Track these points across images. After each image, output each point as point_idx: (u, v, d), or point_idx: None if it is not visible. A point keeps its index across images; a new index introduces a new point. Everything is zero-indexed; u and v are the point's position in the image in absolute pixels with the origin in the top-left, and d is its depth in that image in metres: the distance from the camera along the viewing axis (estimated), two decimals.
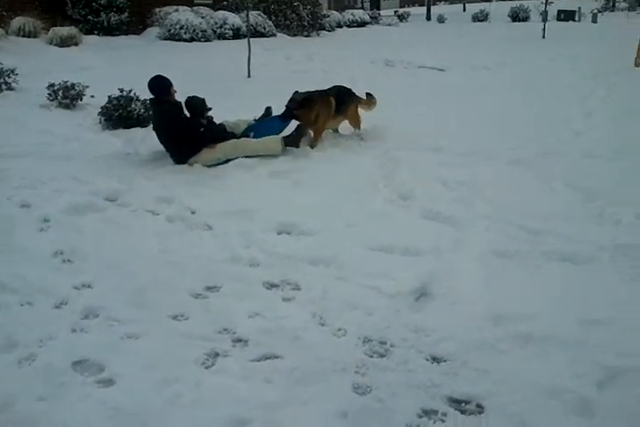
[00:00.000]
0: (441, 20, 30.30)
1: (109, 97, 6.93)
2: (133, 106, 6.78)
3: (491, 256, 3.87)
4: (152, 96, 5.83)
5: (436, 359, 2.92)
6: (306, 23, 16.91)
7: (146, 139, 6.51)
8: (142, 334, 3.15)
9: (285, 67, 11.82)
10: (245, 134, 6.09)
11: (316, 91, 6.41)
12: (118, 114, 6.77)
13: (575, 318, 3.14)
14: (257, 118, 6.40)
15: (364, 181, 5.30)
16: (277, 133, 6.10)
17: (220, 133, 5.85)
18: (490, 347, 2.96)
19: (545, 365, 2.78)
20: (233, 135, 5.97)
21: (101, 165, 5.67)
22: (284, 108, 6.16)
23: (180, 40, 14.23)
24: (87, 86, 7.62)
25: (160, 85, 5.75)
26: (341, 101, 6.43)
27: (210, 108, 5.92)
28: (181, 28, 14.27)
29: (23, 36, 13.01)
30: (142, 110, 6.80)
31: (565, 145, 6.31)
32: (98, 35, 14.17)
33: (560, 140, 6.55)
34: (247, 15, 10.42)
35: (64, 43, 12.47)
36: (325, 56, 13.51)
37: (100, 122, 6.86)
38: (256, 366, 2.89)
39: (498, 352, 2.93)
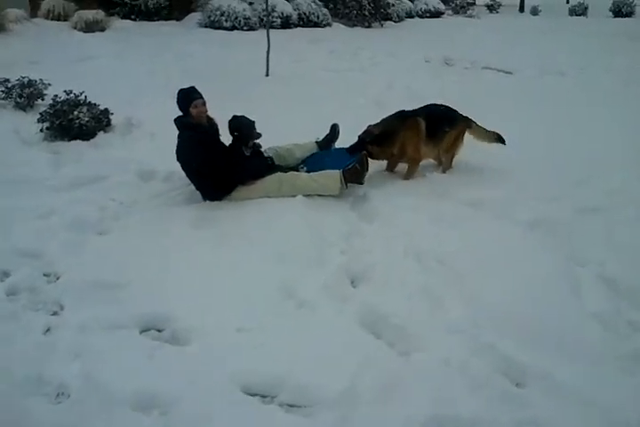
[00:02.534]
0: (534, 12, 27.49)
1: (54, 100, 5.71)
2: (76, 113, 5.50)
3: None
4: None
5: None
6: (367, 12, 15.19)
7: (82, 157, 5.24)
8: None
9: (320, 64, 10.23)
10: (297, 167, 4.70)
11: (399, 112, 4.84)
12: (59, 122, 5.52)
13: None
14: (319, 140, 4.94)
15: (314, 244, 3.76)
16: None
17: (262, 170, 4.44)
18: None
19: None
20: (280, 169, 4.53)
21: None
22: (357, 138, 4.69)
23: (220, 28, 12.89)
24: (49, 84, 6.42)
25: (180, 99, 4.32)
26: (437, 123, 4.84)
27: (259, 135, 4.44)
28: (222, 14, 12.93)
29: (52, 19, 12.19)
30: (86, 119, 5.51)
31: (624, 195, 4.49)
32: (135, 20, 13.14)
33: (621, 182, 4.72)
34: (267, 2, 8.92)
35: (89, 27, 11.46)
36: (375, 51, 11.81)
37: (42, 130, 5.63)
38: None
39: None
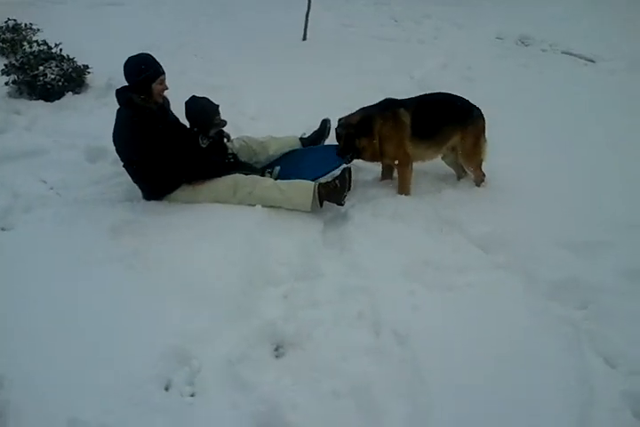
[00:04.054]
0: None
1: (23, 49, 4.89)
2: (42, 68, 4.66)
3: None
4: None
5: None
6: None
7: (34, 123, 4.41)
8: None
9: (373, 31, 8.93)
10: (264, 170, 3.72)
11: (385, 100, 3.72)
12: (23, 77, 4.70)
13: None
14: (304, 136, 3.98)
15: (249, 282, 2.81)
16: (323, 175, 3.60)
17: (218, 168, 3.48)
18: None
19: None
20: (245, 167, 3.60)
21: None
22: (336, 135, 3.65)
23: None
24: (38, 29, 5.61)
25: (141, 71, 3.27)
26: (436, 118, 3.69)
27: (223, 123, 3.55)
28: None
29: None
30: (53, 76, 4.65)
31: None
32: None
33: None
34: None
35: None
36: (443, 21, 10.29)
37: (7, 84, 4.83)
38: None
39: None
